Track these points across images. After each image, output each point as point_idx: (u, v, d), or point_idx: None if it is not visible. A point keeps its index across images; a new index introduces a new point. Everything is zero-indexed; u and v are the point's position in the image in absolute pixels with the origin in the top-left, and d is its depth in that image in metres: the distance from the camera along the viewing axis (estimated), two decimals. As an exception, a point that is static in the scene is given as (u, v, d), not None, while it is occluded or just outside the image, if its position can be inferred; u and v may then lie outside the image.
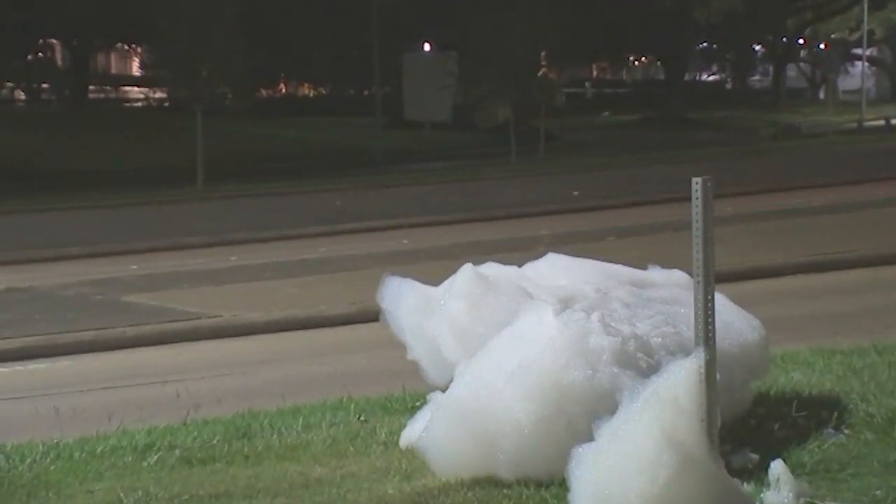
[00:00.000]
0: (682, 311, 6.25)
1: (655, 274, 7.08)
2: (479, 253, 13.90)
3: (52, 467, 6.49)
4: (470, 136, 41.56)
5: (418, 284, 6.81)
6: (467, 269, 6.63)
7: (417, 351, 6.63)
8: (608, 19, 43.78)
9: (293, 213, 22.02)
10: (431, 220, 20.62)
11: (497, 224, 19.94)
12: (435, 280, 6.92)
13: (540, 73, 37.70)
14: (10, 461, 6.60)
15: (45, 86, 50.54)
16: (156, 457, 6.53)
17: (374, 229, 19.69)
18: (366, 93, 51.60)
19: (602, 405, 5.49)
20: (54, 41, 48.66)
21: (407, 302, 6.69)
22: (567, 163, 32.15)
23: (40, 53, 47.55)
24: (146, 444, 6.81)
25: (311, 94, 59.66)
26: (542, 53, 38.06)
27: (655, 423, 5.09)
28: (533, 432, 5.63)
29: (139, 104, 55.00)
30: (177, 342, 11.56)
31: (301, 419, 7.24)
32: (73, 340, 11.45)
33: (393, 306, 6.75)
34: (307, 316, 12.42)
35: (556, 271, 6.93)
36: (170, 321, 12.13)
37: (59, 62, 51.36)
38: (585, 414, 5.51)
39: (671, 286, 6.88)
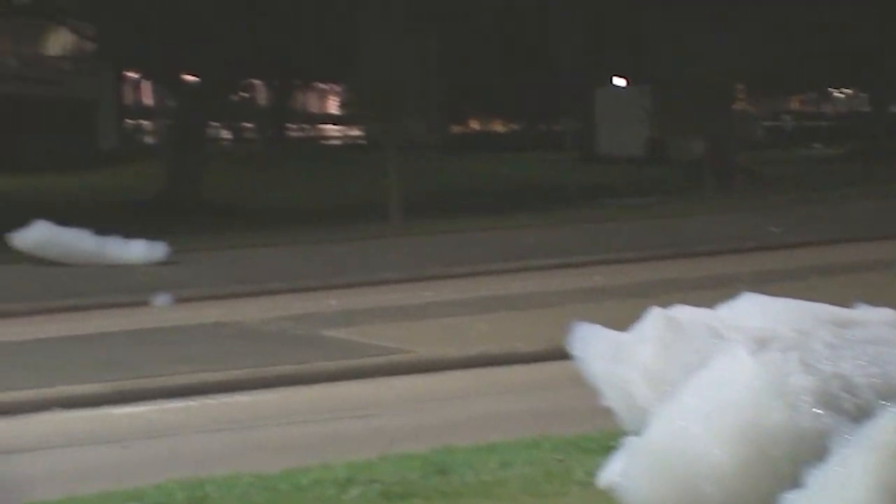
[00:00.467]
0: (892, 351, 6.06)
1: (861, 313, 6.86)
2: (673, 291, 13.74)
3: (258, 499, 6.67)
4: (664, 171, 41.13)
5: (607, 330, 6.81)
6: (656, 314, 6.58)
7: (610, 396, 6.62)
8: (810, 50, 42.76)
9: (486, 248, 22.16)
10: (624, 256, 20.47)
11: (692, 261, 19.63)
12: (627, 319, 6.89)
13: (737, 107, 37.08)
14: (220, 491, 6.82)
15: (248, 125, 52.23)
16: (357, 491, 6.65)
17: (567, 266, 19.66)
18: (556, 128, 51.70)
19: (805, 448, 5.36)
20: (257, 82, 50.25)
21: (597, 348, 6.69)
22: (765, 198, 31.44)
23: (244, 94, 49.16)
24: (347, 477, 6.93)
25: (503, 130, 60.12)
26: (740, 86, 37.44)
27: (869, 470, 4.92)
28: (735, 477, 5.52)
29: (336, 142, 56.39)
30: (373, 377, 11.76)
31: (497, 456, 7.26)
32: (276, 374, 11.74)
33: (583, 353, 6.75)
34: (500, 352, 12.50)
35: (752, 312, 6.81)
36: (367, 356, 12.35)
37: (262, 102, 52.98)
38: (788, 457, 5.38)
39: (879, 325, 6.63)
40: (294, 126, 55.67)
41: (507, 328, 13.70)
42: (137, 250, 20.57)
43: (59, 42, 48.35)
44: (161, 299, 16.52)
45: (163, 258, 20.74)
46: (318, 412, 10.43)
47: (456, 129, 55.12)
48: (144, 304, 16.67)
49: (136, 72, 48.01)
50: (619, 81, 47.02)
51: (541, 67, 45.11)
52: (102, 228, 21.31)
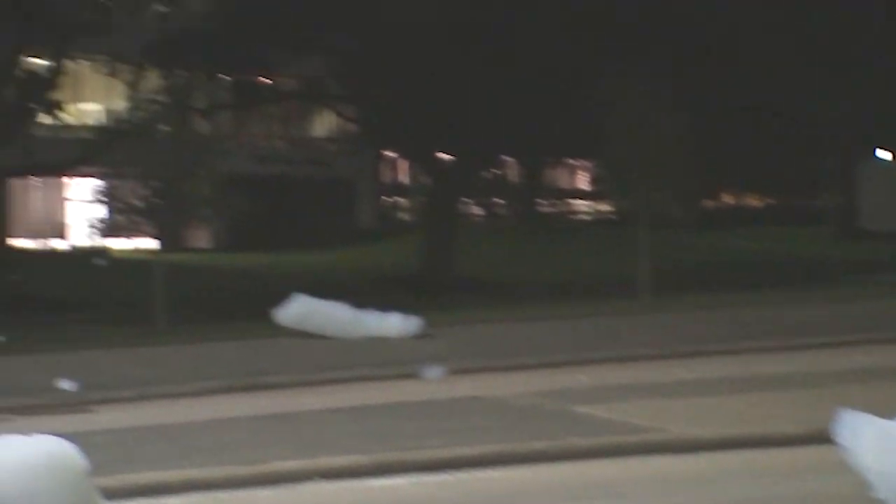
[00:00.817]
0: None
1: None
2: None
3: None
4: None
5: (877, 420, 6.49)
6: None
7: (883, 490, 6.27)
8: None
9: (741, 326, 21.66)
10: (891, 336, 19.61)
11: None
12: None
13: None
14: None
15: (499, 200, 52.88)
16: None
17: (829, 345, 19.02)
18: (814, 201, 50.22)
19: None
20: (508, 158, 50.97)
21: (866, 438, 6.36)
22: None
23: (496, 171, 49.86)
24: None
25: (758, 204, 58.88)
26: None
27: None
28: None
29: (586, 217, 56.43)
30: (625, 455, 11.61)
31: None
32: (528, 450, 11.72)
33: (851, 443, 6.45)
34: (757, 434, 12.13)
35: None
36: (618, 434, 12.23)
37: (513, 178, 53.60)
38: None
39: None
40: (544, 201, 56.05)
41: (764, 408, 13.31)
42: (393, 324, 21.06)
43: (323, 124, 50.23)
44: (432, 372, 16.83)
45: (418, 332, 21.16)
46: (571, 490, 10.37)
47: (708, 203, 54.30)
48: (402, 376, 17.01)
49: (394, 151, 49.53)
50: (884, 154, 45.46)
51: (798, 140, 44.03)
52: (359, 302, 21.93)
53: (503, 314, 25.57)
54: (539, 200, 54.11)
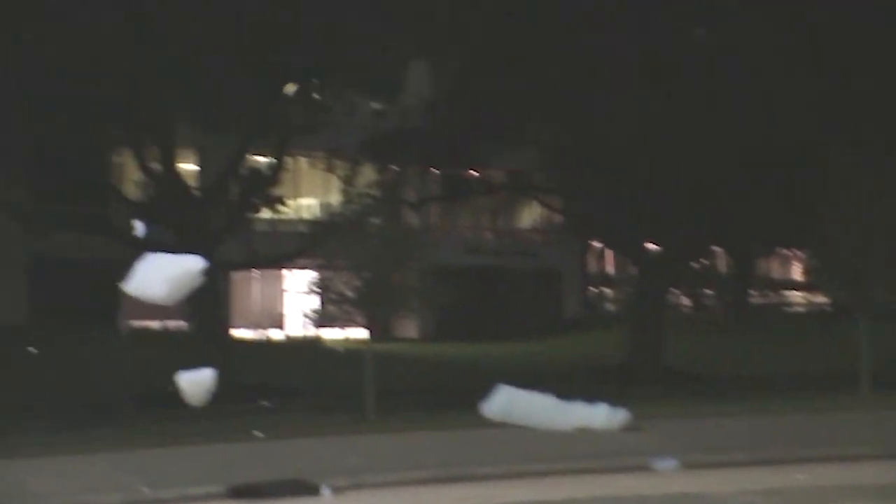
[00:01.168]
0: None
1: None
2: None
3: None
4: None
5: None
6: None
7: None
8: None
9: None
10: None
11: None
12: None
13: None
14: None
15: (708, 291, 51.98)
16: None
17: None
18: None
19: None
20: (718, 248, 50.24)
21: None
22: None
23: (704, 261, 49.16)
24: None
25: None
26: None
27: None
28: None
29: (800, 308, 54.84)
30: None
31: None
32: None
33: None
34: None
35: None
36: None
37: (722, 268, 52.71)
38: None
39: None
40: (755, 292, 54.79)
41: None
42: (600, 415, 20.67)
43: (530, 215, 50.42)
44: (664, 463, 16.54)
45: (625, 424, 20.73)
46: None
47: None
48: (615, 470, 16.75)
49: (600, 242, 49.39)
50: None
51: None
52: (565, 392, 21.70)
53: (713, 408, 24.88)
54: (750, 291, 52.87)
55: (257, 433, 20.83)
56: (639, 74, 30.29)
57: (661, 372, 33.43)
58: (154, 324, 38.46)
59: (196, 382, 8.99)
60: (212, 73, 27.41)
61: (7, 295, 38.73)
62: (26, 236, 33.48)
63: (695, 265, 46.92)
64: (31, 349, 28.15)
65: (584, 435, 19.67)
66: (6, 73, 26.36)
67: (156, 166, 31.48)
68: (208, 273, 8.84)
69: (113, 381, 27.70)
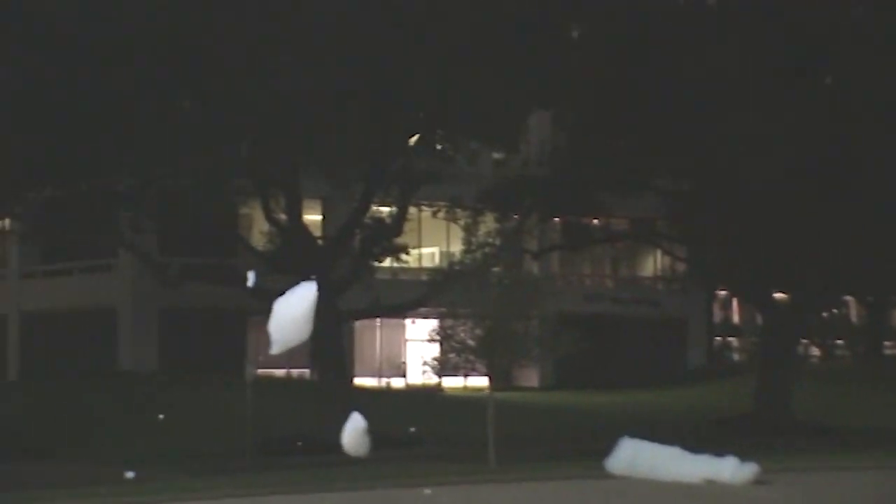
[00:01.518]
0: None
1: None
2: None
3: None
4: None
5: None
6: None
7: None
8: None
9: None
10: None
11: None
12: None
13: None
14: None
15: (838, 341, 50.76)
16: None
17: None
18: None
19: None
20: (849, 298, 48.96)
21: None
22: None
23: (835, 310, 48.19)
24: None
25: None
26: None
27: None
28: None
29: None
30: None
31: None
32: None
33: None
34: None
35: None
36: None
37: (854, 318, 51.48)
38: None
39: None
40: (889, 343, 53.27)
41: None
42: (728, 468, 20.27)
43: (652, 264, 50.10)
44: None
45: (753, 477, 20.29)
46: None
47: None
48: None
49: (726, 290, 48.65)
50: None
51: None
52: (690, 445, 21.32)
53: (845, 462, 24.13)
54: (884, 342, 51.37)
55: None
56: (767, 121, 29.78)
57: (789, 423, 32.74)
58: (279, 372, 38.77)
59: (356, 432, 8.92)
60: (336, 126, 27.81)
61: (141, 345, 39.69)
62: (158, 288, 34.19)
63: (825, 314, 45.85)
64: (160, 417, 28.81)
65: (712, 488, 19.34)
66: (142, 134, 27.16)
67: (282, 217, 32.06)
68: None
69: (239, 428, 28.11)
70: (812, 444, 28.70)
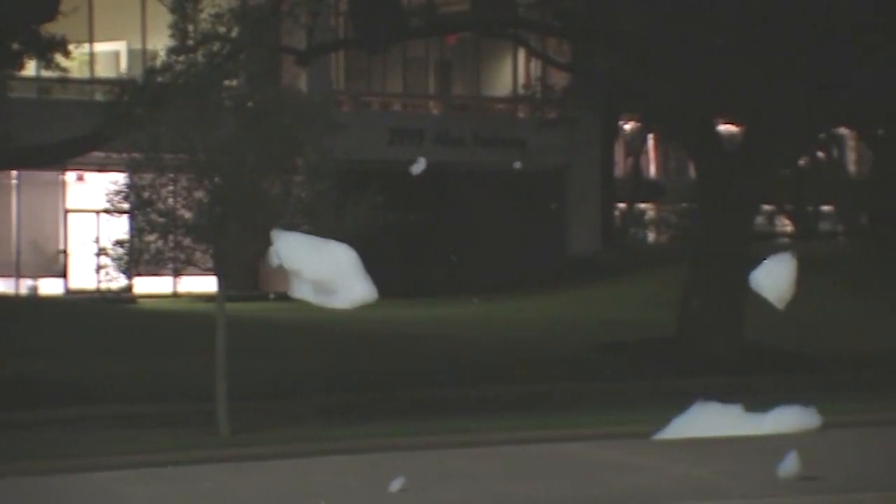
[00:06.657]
0: None
1: None
2: None
3: None
4: None
5: None
6: None
7: None
8: None
9: None
10: None
11: None
12: None
13: None
14: None
15: (826, 208, 53.43)
16: None
17: None
18: None
19: None
20: (845, 132, 51.41)
21: None
22: None
23: (821, 154, 50.38)
24: None
25: None
26: None
27: None
28: None
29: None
30: None
31: None
32: None
33: None
34: None
35: None
36: None
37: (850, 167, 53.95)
38: None
39: None
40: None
41: None
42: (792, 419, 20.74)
43: (510, 75, 51.88)
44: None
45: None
46: None
47: None
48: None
49: (637, 120, 50.07)
50: None
51: None
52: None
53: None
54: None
55: None
56: None
57: (743, 351, 34.42)
58: None
59: None
60: None
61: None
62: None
63: (803, 161, 47.20)
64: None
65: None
66: None
67: None
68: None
69: None
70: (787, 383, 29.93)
